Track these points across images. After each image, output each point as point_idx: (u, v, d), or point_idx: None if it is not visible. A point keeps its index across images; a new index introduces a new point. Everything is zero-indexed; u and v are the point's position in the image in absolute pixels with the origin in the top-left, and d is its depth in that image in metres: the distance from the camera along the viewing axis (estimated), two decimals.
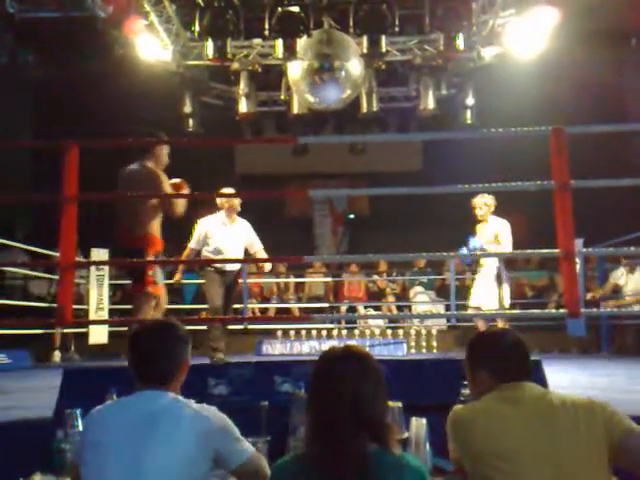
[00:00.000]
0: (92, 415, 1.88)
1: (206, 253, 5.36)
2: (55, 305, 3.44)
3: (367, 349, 1.85)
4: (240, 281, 5.71)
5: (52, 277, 7.54)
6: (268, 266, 5.91)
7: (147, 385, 1.87)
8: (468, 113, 9.08)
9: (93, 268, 7.05)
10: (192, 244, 5.44)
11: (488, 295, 5.46)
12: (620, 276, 7.85)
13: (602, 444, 1.70)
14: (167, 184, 4.16)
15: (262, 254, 5.51)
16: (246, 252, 5.49)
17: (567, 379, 4.44)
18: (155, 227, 4.16)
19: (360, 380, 1.58)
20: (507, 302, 5.46)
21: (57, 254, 4.98)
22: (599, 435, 1.70)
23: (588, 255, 8.01)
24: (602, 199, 7.69)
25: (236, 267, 5.46)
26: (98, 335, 7.01)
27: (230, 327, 7.11)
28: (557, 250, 3.12)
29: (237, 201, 5.37)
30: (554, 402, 1.77)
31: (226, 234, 5.39)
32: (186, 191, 4.35)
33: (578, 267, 5.95)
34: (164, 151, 4.32)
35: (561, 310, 3.24)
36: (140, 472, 1.70)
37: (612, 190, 7.31)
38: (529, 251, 3.57)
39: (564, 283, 3.13)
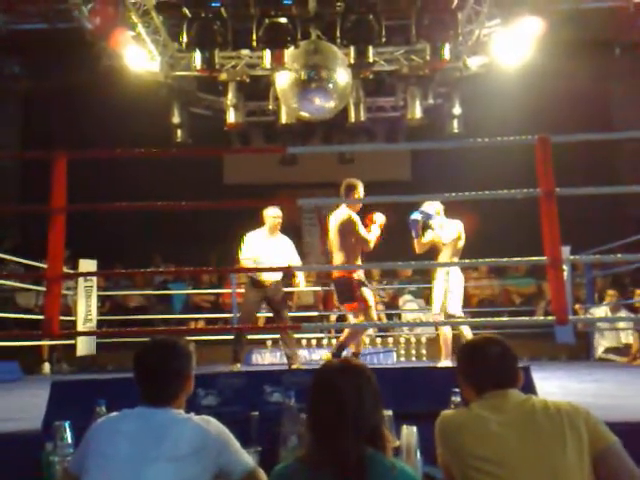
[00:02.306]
0: (97, 426, 1.90)
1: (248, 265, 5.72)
2: (42, 317, 3.42)
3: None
4: (286, 290, 6.04)
5: (39, 289, 7.49)
6: (302, 284, 6.17)
7: (152, 402, 1.89)
8: (455, 122, 9.14)
9: (81, 279, 6.99)
10: (243, 257, 5.74)
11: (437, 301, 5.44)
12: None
13: (586, 450, 1.72)
14: (360, 227, 5.09)
15: (297, 272, 5.97)
16: None
17: (556, 385, 4.46)
18: (359, 261, 5.20)
19: (357, 391, 1.67)
20: (453, 309, 5.33)
21: (44, 265, 4.97)
22: (584, 441, 1.73)
23: (575, 262, 8.06)
24: (589, 206, 7.76)
25: (275, 279, 5.71)
26: (86, 347, 6.95)
27: (219, 337, 7.14)
28: (544, 257, 3.15)
29: (278, 220, 5.74)
30: (537, 408, 1.80)
31: (267, 247, 5.68)
32: (377, 225, 5.20)
33: (565, 274, 6.02)
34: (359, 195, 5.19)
35: (549, 317, 3.26)
36: None
37: (599, 197, 7.39)
38: (516, 259, 3.59)
39: (552, 290, 3.15)
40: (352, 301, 5.09)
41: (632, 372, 6.06)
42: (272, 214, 5.73)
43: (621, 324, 7.57)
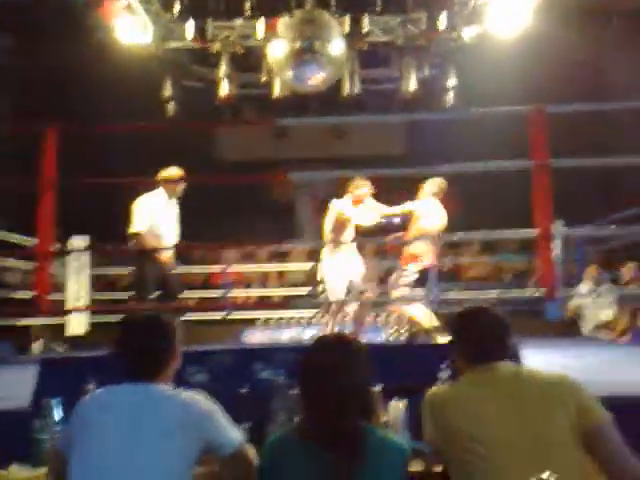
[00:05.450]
0: (84, 403, 1.90)
1: (150, 236, 4.86)
2: (32, 294, 3.41)
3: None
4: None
5: (27, 267, 7.38)
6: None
7: (138, 377, 1.89)
8: (450, 94, 9.06)
9: (72, 257, 6.94)
10: (141, 228, 4.83)
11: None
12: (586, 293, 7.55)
13: (575, 426, 1.71)
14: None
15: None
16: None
17: (542, 360, 4.44)
18: None
19: (350, 365, 1.72)
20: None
21: (34, 241, 4.90)
22: (572, 416, 1.72)
23: (568, 236, 8.02)
24: (585, 181, 7.71)
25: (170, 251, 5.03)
26: (77, 325, 6.90)
27: (210, 317, 7.04)
28: (534, 230, 3.13)
29: (181, 185, 5.09)
30: (525, 382, 1.80)
31: (168, 215, 5.05)
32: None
33: (558, 249, 5.98)
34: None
35: (537, 293, 3.26)
36: (133, 462, 1.73)
37: (594, 171, 7.35)
38: (507, 231, 3.58)
39: (541, 265, 3.14)
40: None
41: (617, 349, 6.08)
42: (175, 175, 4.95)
43: (605, 300, 7.52)
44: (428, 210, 5.20)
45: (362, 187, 5.35)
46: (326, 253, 5.35)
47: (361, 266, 5.38)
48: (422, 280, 5.06)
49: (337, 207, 5.27)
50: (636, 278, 7.16)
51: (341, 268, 5.25)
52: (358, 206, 5.34)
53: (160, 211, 4.97)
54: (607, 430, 1.72)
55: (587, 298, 7.51)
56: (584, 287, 7.60)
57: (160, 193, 5.02)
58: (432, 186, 5.27)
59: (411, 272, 5.07)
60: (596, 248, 8.35)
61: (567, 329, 7.78)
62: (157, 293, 4.87)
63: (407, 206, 5.30)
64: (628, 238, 7.16)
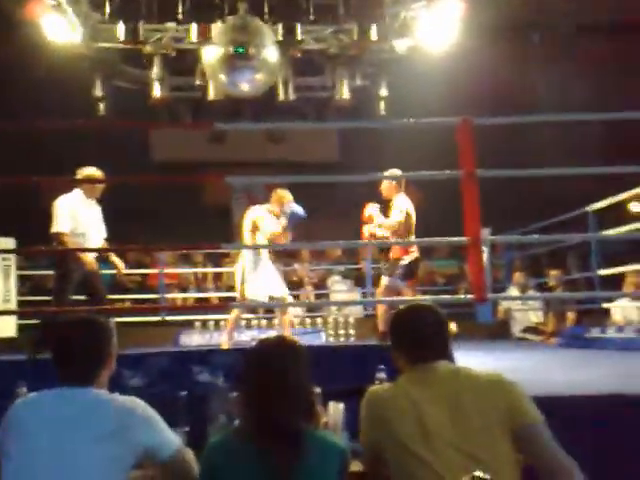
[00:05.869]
0: (16, 408, 1.85)
1: (73, 237, 4.76)
2: None
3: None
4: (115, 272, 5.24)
5: None
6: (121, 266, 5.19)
7: (72, 382, 1.85)
8: (382, 104, 9.23)
9: None
10: (64, 228, 4.72)
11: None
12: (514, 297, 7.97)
13: (505, 423, 1.75)
14: None
15: (105, 245, 5.12)
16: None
17: (475, 363, 4.60)
18: None
19: (295, 366, 1.75)
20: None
21: None
22: (502, 415, 1.76)
23: (495, 243, 8.35)
24: (509, 190, 8.03)
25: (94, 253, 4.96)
26: (5, 328, 6.69)
27: (147, 319, 6.98)
28: (464, 238, 3.25)
29: (100, 187, 5.01)
30: (463, 381, 1.83)
31: (89, 215, 4.92)
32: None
33: (485, 256, 6.23)
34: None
35: (469, 296, 3.38)
36: (67, 469, 1.70)
37: (519, 180, 7.68)
38: (437, 239, 3.70)
39: (471, 270, 3.27)
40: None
41: (546, 350, 6.36)
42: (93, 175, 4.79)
43: (531, 305, 7.92)
44: (407, 204, 5.31)
45: (287, 202, 5.51)
46: (246, 255, 5.49)
47: (275, 270, 5.66)
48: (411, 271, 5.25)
49: (254, 215, 5.54)
50: (561, 283, 7.54)
51: (260, 272, 5.47)
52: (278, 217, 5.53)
53: (80, 211, 4.85)
54: (538, 429, 1.76)
55: (516, 302, 7.87)
56: (513, 291, 7.96)
57: (77, 193, 4.90)
58: (394, 181, 5.32)
59: (406, 264, 5.22)
60: (522, 254, 8.73)
61: (498, 330, 8.09)
62: (82, 295, 4.79)
63: (398, 213, 5.28)
64: (551, 245, 7.55)
